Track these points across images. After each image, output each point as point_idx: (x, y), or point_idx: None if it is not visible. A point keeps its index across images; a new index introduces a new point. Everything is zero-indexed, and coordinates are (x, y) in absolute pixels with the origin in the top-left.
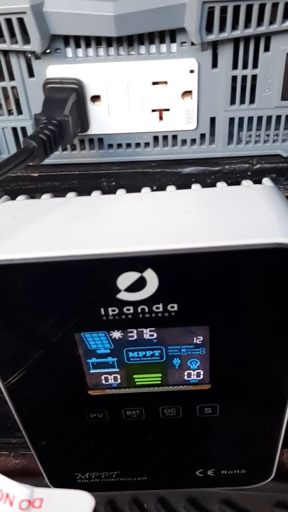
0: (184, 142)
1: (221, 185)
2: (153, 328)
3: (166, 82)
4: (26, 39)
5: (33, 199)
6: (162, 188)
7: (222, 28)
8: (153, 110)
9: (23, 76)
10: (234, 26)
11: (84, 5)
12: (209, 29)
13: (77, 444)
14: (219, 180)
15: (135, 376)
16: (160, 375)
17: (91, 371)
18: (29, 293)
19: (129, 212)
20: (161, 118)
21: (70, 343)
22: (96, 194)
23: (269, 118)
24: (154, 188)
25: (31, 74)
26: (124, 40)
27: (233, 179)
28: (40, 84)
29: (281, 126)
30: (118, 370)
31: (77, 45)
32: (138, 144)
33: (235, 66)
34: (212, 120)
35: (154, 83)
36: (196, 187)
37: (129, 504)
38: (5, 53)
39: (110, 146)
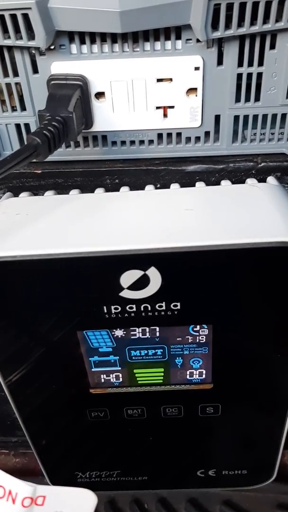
0: (188, 139)
1: (225, 183)
2: (155, 327)
3: (171, 79)
4: (31, 35)
5: (36, 196)
6: (166, 186)
7: (227, 25)
8: (158, 107)
9: (27, 72)
10: (240, 23)
11: (89, 1)
12: (214, 26)
13: (78, 443)
14: (224, 178)
15: (137, 374)
16: (162, 374)
17: (93, 370)
18: (31, 291)
19: (133, 210)
20: (165, 115)
21: (72, 341)
22: (99, 191)
23: (274, 116)
24: (158, 186)
25: (35, 70)
26: (129, 36)
27: (238, 178)
28: (44, 81)
29: (286, 124)
30: (120, 368)
31: (82, 42)
32: (142, 142)
33: (240, 64)
34: (217, 118)
35: (158, 80)
36: (200, 185)
37: (129, 504)
38: (10, 49)
39: (114, 143)
